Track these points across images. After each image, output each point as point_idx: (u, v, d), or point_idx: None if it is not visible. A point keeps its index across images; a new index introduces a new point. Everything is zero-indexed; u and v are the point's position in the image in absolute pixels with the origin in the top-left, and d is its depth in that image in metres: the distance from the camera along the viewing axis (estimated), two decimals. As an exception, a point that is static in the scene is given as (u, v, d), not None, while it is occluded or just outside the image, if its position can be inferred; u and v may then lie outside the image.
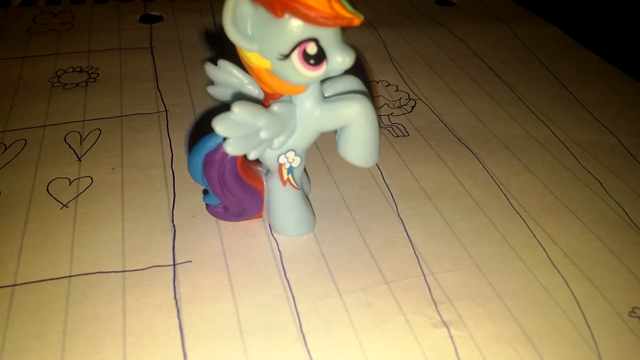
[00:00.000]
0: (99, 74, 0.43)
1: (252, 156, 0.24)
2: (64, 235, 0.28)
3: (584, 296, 0.27)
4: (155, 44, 0.48)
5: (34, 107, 0.38)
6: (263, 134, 0.23)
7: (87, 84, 0.41)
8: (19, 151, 0.34)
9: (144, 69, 0.44)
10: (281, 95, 0.25)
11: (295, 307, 0.25)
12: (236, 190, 0.27)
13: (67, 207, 0.30)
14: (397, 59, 0.48)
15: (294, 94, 0.24)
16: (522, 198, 0.33)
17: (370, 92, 0.27)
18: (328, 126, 0.26)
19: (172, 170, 0.33)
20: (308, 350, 0.24)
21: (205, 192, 0.30)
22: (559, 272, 0.28)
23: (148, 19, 0.52)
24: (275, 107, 0.24)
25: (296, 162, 0.26)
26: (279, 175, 0.27)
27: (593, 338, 0.25)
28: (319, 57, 0.22)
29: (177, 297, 0.26)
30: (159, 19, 0.53)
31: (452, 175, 0.34)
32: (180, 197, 0.31)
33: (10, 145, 0.34)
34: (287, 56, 0.22)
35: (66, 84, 0.41)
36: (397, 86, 0.44)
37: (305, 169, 0.33)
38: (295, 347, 0.24)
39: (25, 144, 0.35)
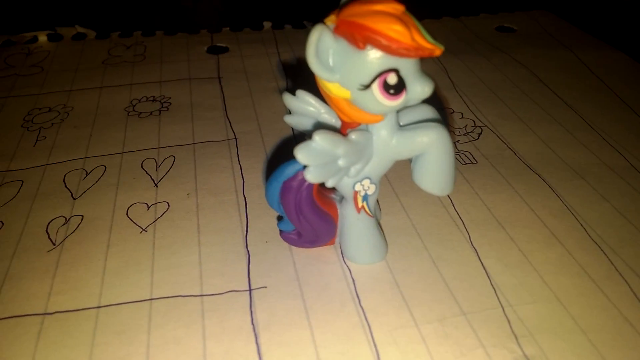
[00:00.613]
0: (170, 103, 0.44)
1: (330, 184, 0.24)
2: (144, 258, 0.29)
3: (675, 333, 0.25)
4: (223, 73, 0.49)
5: (112, 135, 0.40)
6: (341, 162, 0.24)
7: (160, 113, 0.43)
8: (99, 177, 0.35)
9: (213, 98, 0.45)
10: (358, 124, 0.25)
11: (372, 337, 0.25)
12: (311, 217, 0.27)
13: (146, 231, 0.31)
14: (459, 86, 0.48)
15: (372, 123, 0.24)
16: (600, 228, 0.32)
17: (445, 120, 0.27)
18: (404, 154, 0.26)
19: (244, 196, 0.34)
20: (387, 381, 0.23)
21: (279, 218, 0.31)
22: (646, 307, 0.27)
23: (215, 50, 0.54)
24: (353, 136, 0.24)
25: (371, 189, 0.26)
26: (354, 202, 0.27)
27: (688, 378, 0.23)
28: (399, 87, 0.22)
29: (255, 322, 0.26)
30: (225, 49, 0.54)
31: (525, 203, 0.34)
32: (253, 223, 0.32)
33: (91, 171, 0.36)
34: (367, 86, 0.22)
35: (141, 112, 0.43)
36: (462, 113, 0.44)
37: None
38: (374, 377, 0.24)
39: (105, 170, 0.36)
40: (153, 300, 0.27)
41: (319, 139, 0.23)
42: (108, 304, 0.27)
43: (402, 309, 0.27)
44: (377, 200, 0.33)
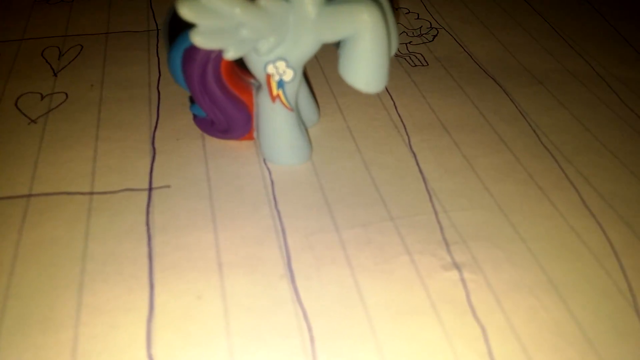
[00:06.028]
0: (89, -9, 0.39)
1: (230, 55, 0.20)
2: (28, 152, 0.25)
3: (622, 243, 0.23)
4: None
5: (12, 22, 0.35)
6: (245, 32, 0.20)
7: (72, 0, 0.37)
8: (-11, 64, 0.31)
9: (139, -12, 0.40)
10: None
11: (285, 241, 0.22)
12: (219, 99, 0.24)
13: (36, 123, 0.27)
14: (419, -13, 0.43)
15: None
16: (553, 135, 0.29)
17: (392, 9, 0.23)
18: (327, 35, 0.21)
19: (158, 91, 0.30)
20: (295, 288, 0.20)
21: (192, 99, 0.27)
22: (594, 216, 0.24)
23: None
24: (262, 2, 0.20)
25: (288, 75, 0.22)
26: (268, 88, 0.23)
27: (630, 290, 0.21)
28: None
29: (150, 223, 0.22)
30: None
31: (475, 108, 0.30)
32: (165, 119, 0.28)
33: (-19, 58, 0.31)
34: None
35: (52, -1, 0.38)
36: (418, 14, 0.39)
37: (314, 95, 0.29)
38: (280, 284, 0.20)
39: (-2, 57, 0.31)
40: (31, 197, 0.23)
41: None
42: (-24, 199, 0.23)
43: (323, 214, 0.23)
44: (316, 100, 0.29)
